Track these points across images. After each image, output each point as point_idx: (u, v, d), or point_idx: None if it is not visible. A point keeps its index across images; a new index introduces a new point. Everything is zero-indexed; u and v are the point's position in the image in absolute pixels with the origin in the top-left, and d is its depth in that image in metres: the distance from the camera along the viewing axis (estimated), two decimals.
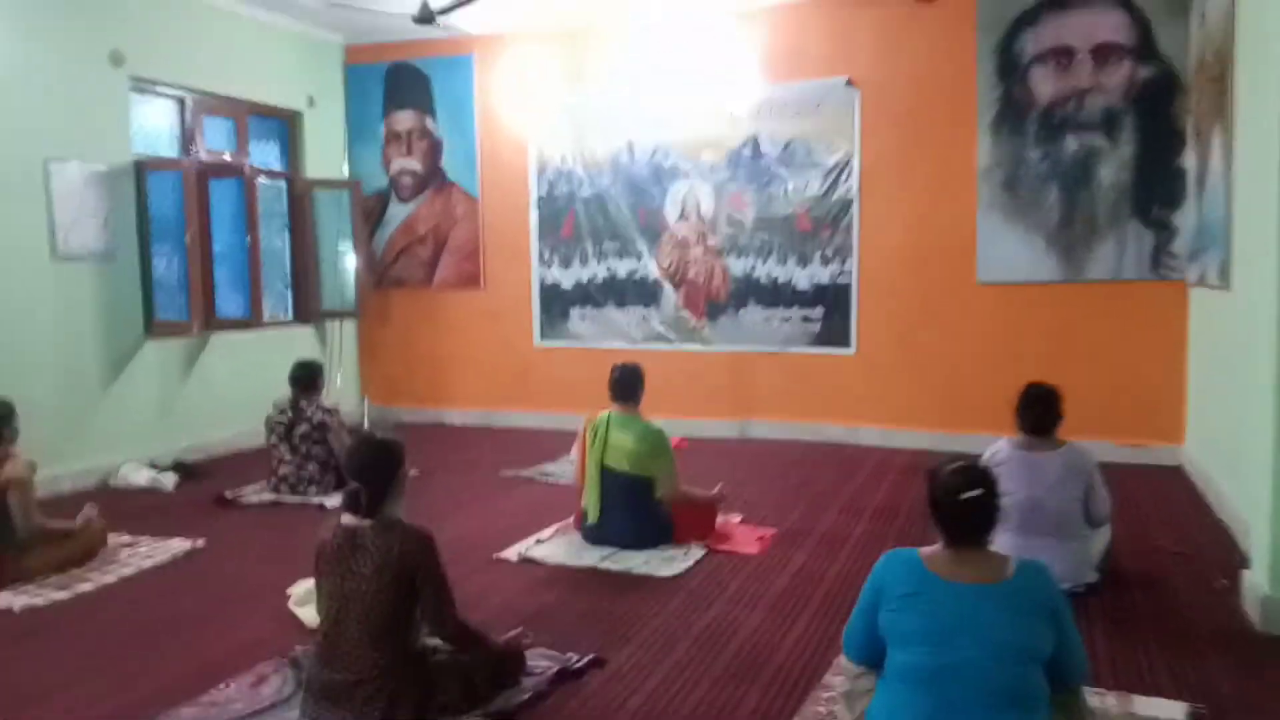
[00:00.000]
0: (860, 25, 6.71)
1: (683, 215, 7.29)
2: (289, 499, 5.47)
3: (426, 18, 6.29)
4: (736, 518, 4.98)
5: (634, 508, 4.48)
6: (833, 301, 6.94)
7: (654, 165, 7.32)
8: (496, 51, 7.68)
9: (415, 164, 8.03)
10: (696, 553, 4.40)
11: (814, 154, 6.89)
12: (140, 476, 5.83)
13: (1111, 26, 6.06)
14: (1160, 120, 6.02)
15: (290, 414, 5.59)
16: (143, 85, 6.32)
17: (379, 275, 8.15)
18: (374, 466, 2.82)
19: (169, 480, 5.81)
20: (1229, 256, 4.80)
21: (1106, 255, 6.20)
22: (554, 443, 6.72)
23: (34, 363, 5.54)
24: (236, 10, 6.88)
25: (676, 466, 4.62)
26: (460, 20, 6.69)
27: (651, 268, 7.40)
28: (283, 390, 5.85)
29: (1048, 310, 6.39)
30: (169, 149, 6.64)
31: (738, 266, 7.18)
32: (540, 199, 7.67)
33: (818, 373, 7.04)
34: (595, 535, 4.53)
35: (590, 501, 4.55)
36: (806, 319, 7.02)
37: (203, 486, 5.79)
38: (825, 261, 6.94)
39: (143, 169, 6.21)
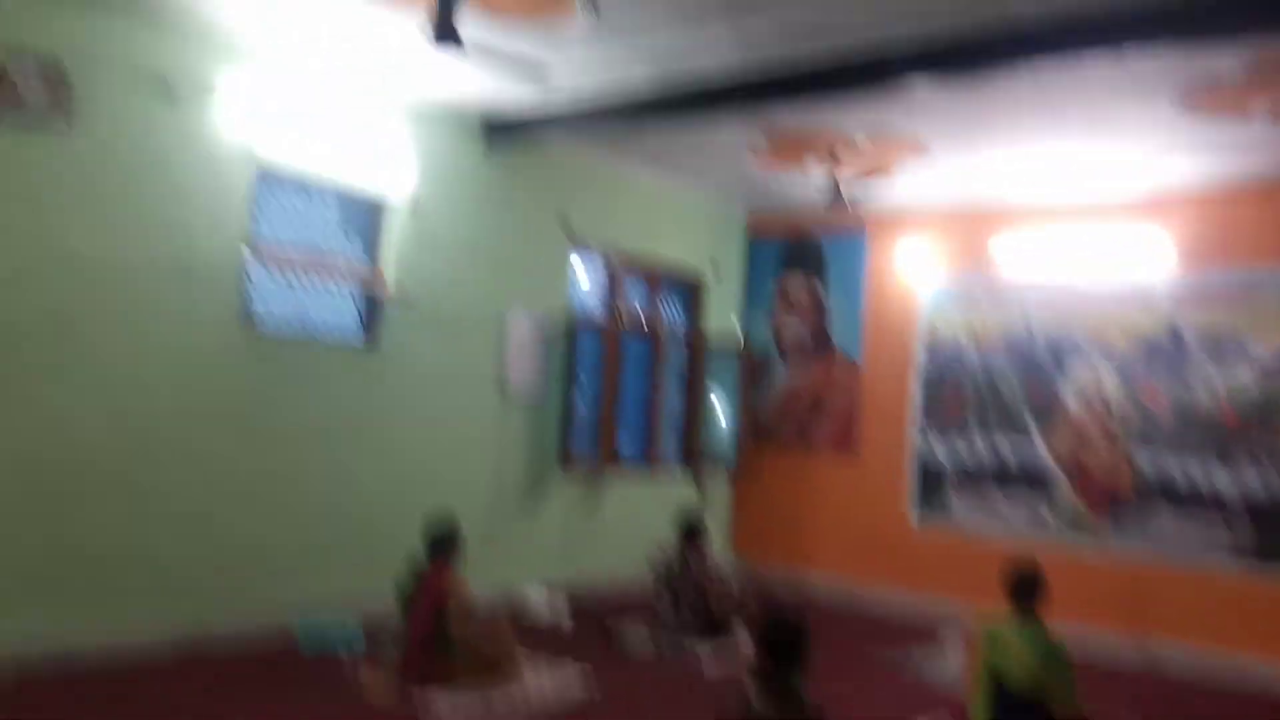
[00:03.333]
0: None
1: (1083, 400, 6.86)
2: (669, 646, 5.64)
3: (834, 201, 6.67)
4: None
5: None
6: (1267, 514, 6.08)
7: (1053, 346, 7.01)
8: (892, 228, 7.90)
9: (803, 329, 8.36)
10: None
11: (1248, 346, 6.23)
12: (539, 600, 6.40)
13: None
14: None
15: (674, 561, 5.89)
16: (582, 248, 7.28)
17: (758, 432, 8.48)
18: (784, 643, 2.89)
19: (563, 608, 6.32)
20: None
21: None
22: (925, 628, 6.41)
23: (472, 486, 6.37)
24: (658, 184, 7.76)
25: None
26: (861, 200, 7.00)
27: (1044, 454, 6.99)
28: (666, 534, 6.21)
29: None
30: (596, 307, 7.54)
31: (1146, 462, 6.56)
32: (925, 371, 7.62)
33: (1252, 598, 6.11)
34: None
35: (978, 716, 4.24)
36: (1233, 530, 6.20)
37: (590, 618, 6.21)
38: (1258, 466, 6.13)
39: (576, 323, 7.08)
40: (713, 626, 5.76)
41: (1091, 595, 6.56)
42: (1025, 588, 4.26)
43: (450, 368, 6.23)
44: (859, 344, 8.03)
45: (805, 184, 7.22)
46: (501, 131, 6.29)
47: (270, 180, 5.38)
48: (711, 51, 4.88)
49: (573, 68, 5.20)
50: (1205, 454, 6.33)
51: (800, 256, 8.42)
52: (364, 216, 5.90)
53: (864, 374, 7.98)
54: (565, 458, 6.97)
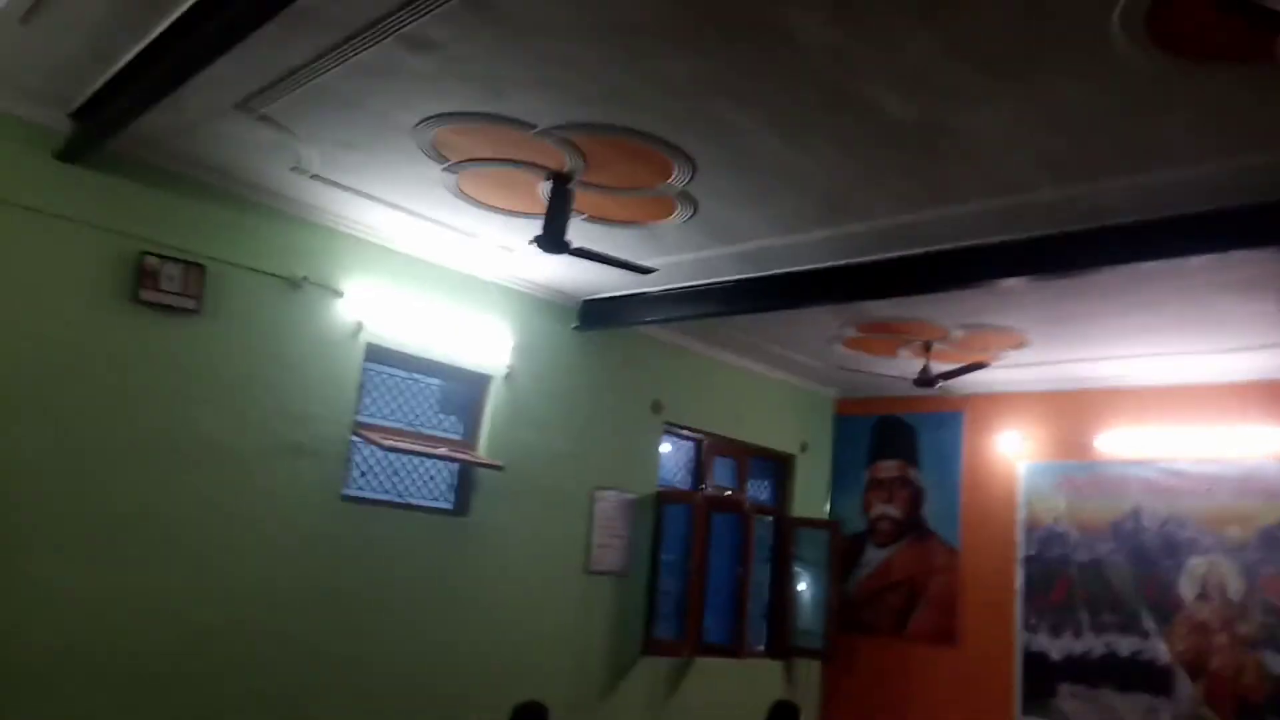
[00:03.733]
0: None
1: (1203, 595, 6.47)
2: None
3: (928, 382, 6.64)
4: None
5: None
6: None
7: (1165, 535, 6.68)
8: (989, 408, 7.79)
9: (895, 511, 8.17)
10: None
11: None
12: None
13: None
14: None
15: None
16: (671, 428, 7.34)
17: (849, 619, 8.16)
18: None
19: None
20: None
21: None
22: None
23: (552, 665, 6.22)
24: (748, 368, 7.85)
25: None
26: (956, 382, 6.96)
27: (1162, 651, 6.55)
28: None
29: None
30: (683, 482, 7.53)
31: (1277, 664, 6.09)
32: (1028, 559, 7.31)
33: None
34: None
35: None
36: None
37: None
38: None
39: (662, 499, 7.06)
40: None
41: None
42: None
43: (536, 540, 6.21)
44: (956, 527, 7.79)
45: (898, 367, 7.23)
46: (596, 310, 6.51)
47: (377, 357, 5.63)
48: (807, 253, 5.04)
49: (671, 261, 5.41)
50: None
51: (893, 437, 8.33)
52: (461, 388, 6.09)
53: (963, 559, 7.69)
54: (649, 642, 6.79)
